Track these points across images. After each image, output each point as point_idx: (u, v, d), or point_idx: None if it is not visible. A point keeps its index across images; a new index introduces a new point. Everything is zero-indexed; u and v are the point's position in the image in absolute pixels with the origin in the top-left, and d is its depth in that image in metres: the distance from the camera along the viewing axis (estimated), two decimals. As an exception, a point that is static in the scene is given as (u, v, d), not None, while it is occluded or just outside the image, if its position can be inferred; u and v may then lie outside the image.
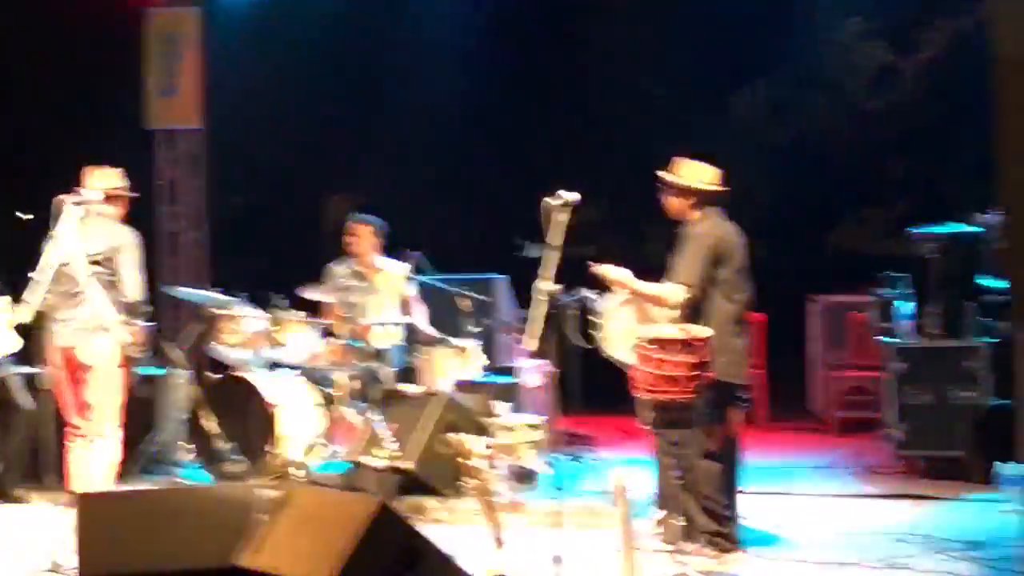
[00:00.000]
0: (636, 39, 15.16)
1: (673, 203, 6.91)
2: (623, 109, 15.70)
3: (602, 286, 6.83)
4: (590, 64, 15.98)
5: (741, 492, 7.01)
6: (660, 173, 6.92)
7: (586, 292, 6.78)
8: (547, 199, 6.41)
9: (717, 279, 6.70)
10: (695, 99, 15.27)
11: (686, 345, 6.13)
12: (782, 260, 16.41)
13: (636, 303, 6.74)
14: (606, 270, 6.72)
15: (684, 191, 6.85)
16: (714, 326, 6.45)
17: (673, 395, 6.13)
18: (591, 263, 6.76)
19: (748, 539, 6.94)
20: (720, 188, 6.86)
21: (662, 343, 6.13)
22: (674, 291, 6.58)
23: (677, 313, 6.54)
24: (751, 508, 7.64)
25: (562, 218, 6.40)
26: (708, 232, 6.73)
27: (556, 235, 6.36)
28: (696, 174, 6.87)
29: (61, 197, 7.14)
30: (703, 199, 6.83)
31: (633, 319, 6.73)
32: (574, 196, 6.43)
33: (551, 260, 6.34)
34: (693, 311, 6.56)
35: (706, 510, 6.63)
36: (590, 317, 6.82)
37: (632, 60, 15.24)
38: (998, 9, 4.09)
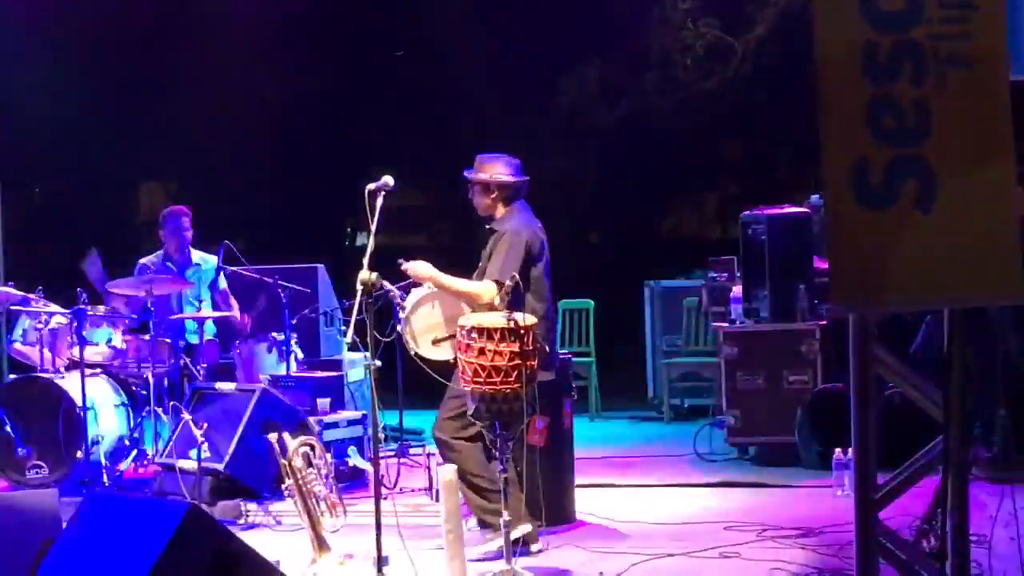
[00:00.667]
0: (468, 19, 14.90)
1: (480, 201, 6.85)
2: (453, 92, 15.46)
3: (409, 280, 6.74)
4: (421, 43, 15.70)
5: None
6: (465, 173, 6.87)
7: (388, 285, 6.58)
8: (369, 185, 6.25)
9: (529, 277, 6.62)
10: (526, 82, 15.11)
11: (511, 332, 5.90)
12: (615, 245, 16.49)
13: (442, 298, 6.64)
14: (412, 266, 6.65)
15: (486, 187, 6.78)
16: None
17: (497, 386, 5.89)
18: (401, 260, 6.68)
19: (582, 534, 6.73)
20: (518, 180, 6.81)
21: (484, 331, 5.89)
22: (487, 288, 6.49)
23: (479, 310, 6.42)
24: (584, 501, 7.52)
25: (380, 203, 6.21)
26: (521, 229, 6.66)
27: (375, 222, 6.18)
28: (496, 169, 6.80)
29: None
30: (505, 193, 6.77)
31: (438, 314, 6.63)
32: (390, 181, 6.25)
33: (370, 248, 6.15)
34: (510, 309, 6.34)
35: (474, 487, 6.58)
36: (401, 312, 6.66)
37: (463, 41, 14.98)
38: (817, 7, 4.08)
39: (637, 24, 14.42)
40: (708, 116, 14.91)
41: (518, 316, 5.97)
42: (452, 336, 6.47)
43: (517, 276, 6.30)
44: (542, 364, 6.33)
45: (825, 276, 8.70)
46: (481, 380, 5.92)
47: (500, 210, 6.77)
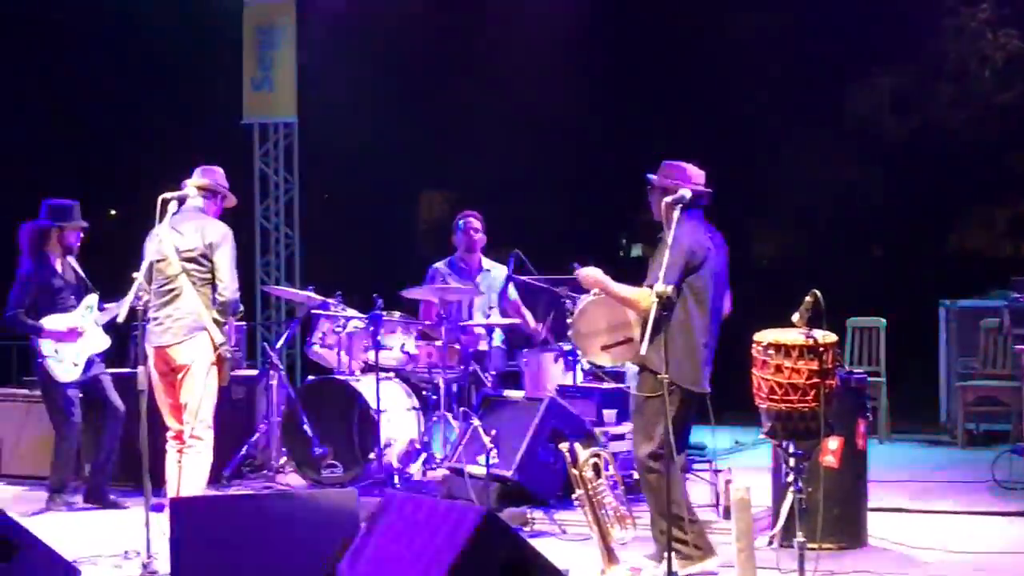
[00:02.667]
0: (754, 27, 14.73)
1: (658, 205, 6.62)
2: (736, 103, 15.30)
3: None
4: (704, 55, 15.61)
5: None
6: (649, 176, 6.75)
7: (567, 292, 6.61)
8: (666, 198, 6.24)
9: (692, 285, 6.49)
10: (812, 91, 14.82)
11: (809, 350, 5.77)
12: (901, 261, 15.99)
13: (608, 305, 6.66)
14: (583, 272, 6.69)
15: (666, 192, 6.58)
16: (683, 332, 6.39)
17: (794, 404, 5.77)
18: (575, 265, 6.78)
19: (875, 559, 6.52)
20: (702, 189, 6.64)
21: (783, 347, 5.78)
22: (643, 295, 6.36)
23: (649, 315, 6.22)
24: (876, 526, 7.32)
25: (676, 215, 6.20)
26: (685, 237, 6.47)
27: (671, 233, 6.21)
28: (678, 175, 6.65)
29: (165, 195, 6.95)
30: (684, 202, 6.52)
31: (603, 320, 6.68)
32: (687, 193, 6.29)
33: (665, 261, 6.20)
34: (664, 316, 6.27)
35: (671, 516, 6.34)
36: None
37: (748, 50, 14.82)
38: None
39: (930, 34, 13.97)
40: (1001, 129, 14.32)
41: (818, 334, 5.84)
42: (622, 343, 6.43)
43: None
44: (689, 378, 6.35)
45: None
46: (777, 398, 5.82)
47: (674, 217, 6.52)
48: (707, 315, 6.56)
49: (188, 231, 7.33)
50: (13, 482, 9.44)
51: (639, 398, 6.51)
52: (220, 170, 7.70)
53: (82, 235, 8.67)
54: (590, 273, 6.66)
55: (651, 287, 6.23)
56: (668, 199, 6.32)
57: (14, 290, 8.47)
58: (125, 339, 9.06)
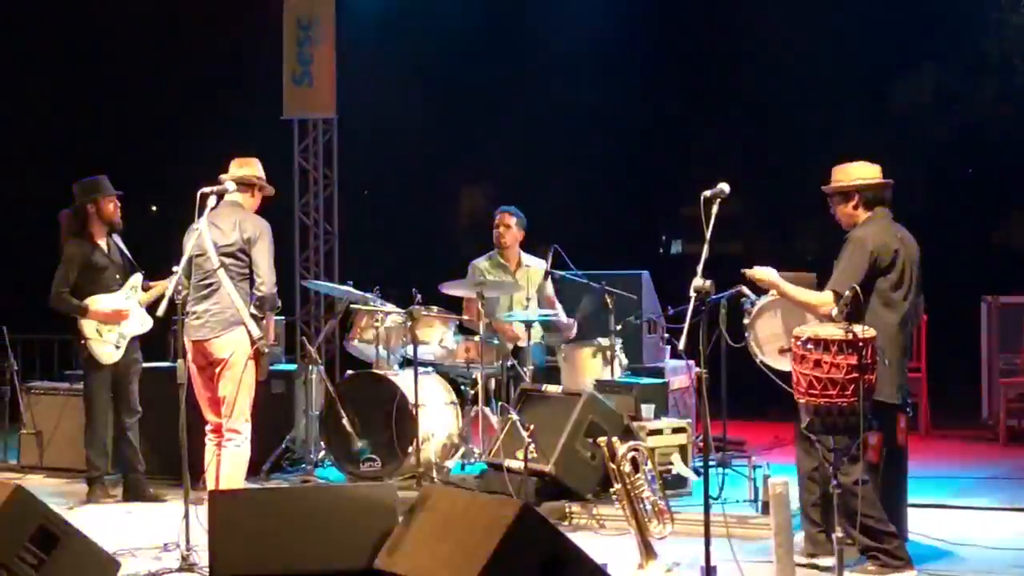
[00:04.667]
0: (795, 22, 14.63)
1: (842, 211, 6.63)
2: (776, 98, 15.21)
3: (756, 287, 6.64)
4: (736, 55, 15.54)
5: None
6: (824, 187, 6.65)
7: (746, 291, 6.49)
8: (705, 192, 6.13)
9: (877, 288, 6.38)
10: (853, 87, 14.73)
11: (848, 345, 5.74)
12: (947, 258, 15.84)
13: (786, 307, 6.51)
14: (756, 272, 6.50)
15: (845, 195, 6.57)
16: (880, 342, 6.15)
17: (833, 399, 5.74)
18: (745, 268, 6.56)
19: (915, 554, 6.47)
20: (880, 181, 6.57)
21: (821, 342, 5.75)
22: (823, 299, 6.30)
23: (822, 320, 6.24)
24: (917, 521, 7.24)
25: (715, 211, 6.13)
26: (869, 237, 6.42)
27: (710, 229, 6.08)
28: (852, 174, 6.59)
29: (204, 189, 6.98)
30: (866, 198, 6.54)
31: (780, 323, 6.54)
32: (726, 188, 6.13)
33: (704, 255, 6.05)
34: (849, 320, 6.14)
35: (863, 528, 6.21)
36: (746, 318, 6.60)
37: (790, 45, 14.72)
38: None
39: (975, 28, 13.85)
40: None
41: (857, 328, 5.80)
42: None
43: (857, 287, 6.09)
44: (885, 383, 6.15)
45: None
46: (816, 392, 5.79)
47: (860, 217, 6.53)
48: (896, 320, 6.42)
49: (226, 226, 7.36)
50: (54, 475, 9.52)
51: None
52: (256, 161, 7.72)
53: (119, 206, 8.62)
54: (764, 273, 6.49)
55: (834, 291, 6.21)
56: (707, 193, 6.23)
57: (58, 271, 8.49)
58: (164, 332, 9.10)
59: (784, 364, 6.32)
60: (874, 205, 6.54)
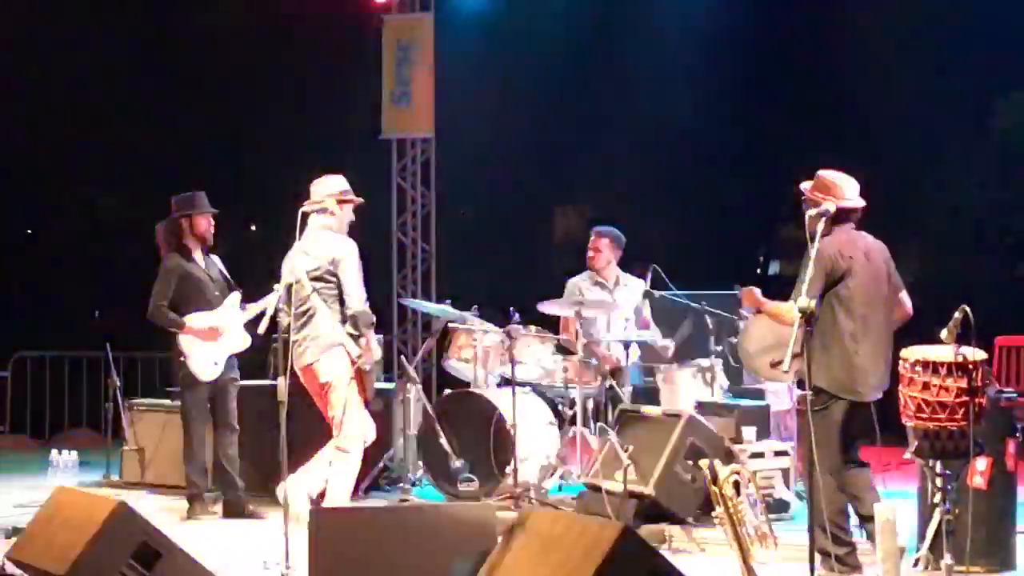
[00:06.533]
0: (896, 39, 14.44)
1: (809, 218, 6.48)
2: (876, 116, 15.01)
3: None
4: (840, 73, 15.36)
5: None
6: (800, 186, 6.69)
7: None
8: (810, 211, 6.24)
9: (839, 295, 6.43)
10: (953, 106, 14.48)
11: (959, 367, 5.63)
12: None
13: (770, 322, 6.75)
14: (744, 292, 6.84)
15: (813, 205, 6.48)
16: (834, 341, 6.40)
17: (942, 422, 5.63)
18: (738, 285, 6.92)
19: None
20: (850, 204, 6.55)
21: (930, 364, 5.65)
22: (787, 309, 6.36)
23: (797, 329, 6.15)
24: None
25: (820, 229, 6.12)
26: (826, 247, 6.38)
27: (814, 248, 6.17)
28: (834, 188, 6.55)
29: (306, 208, 7.04)
30: (838, 216, 6.48)
31: (768, 336, 6.81)
32: (831, 207, 6.25)
33: (808, 273, 6.16)
34: (808, 331, 6.10)
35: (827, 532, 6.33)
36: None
37: (889, 62, 14.53)
38: None
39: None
40: None
41: (967, 350, 5.70)
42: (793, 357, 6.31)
43: (967, 309, 5.95)
44: (846, 388, 6.35)
45: None
46: (925, 416, 5.72)
47: (817, 230, 6.39)
48: (857, 323, 6.46)
49: (313, 250, 7.45)
50: (156, 491, 9.62)
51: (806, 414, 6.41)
52: (339, 176, 7.76)
53: (212, 224, 8.66)
54: (748, 291, 6.77)
55: (796, 302, 6.15)
56: (812, 212, 6.23)
57: (156, 284, 8.54)
58: (265, 350, 9.17)
59: (778, 375, 6.71)
60: (842, 223, 6.51)
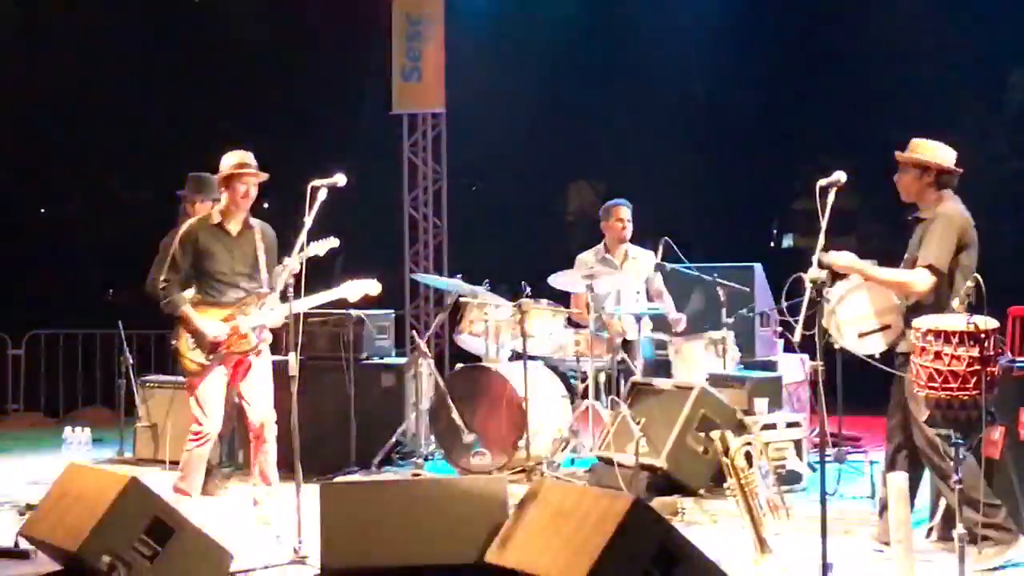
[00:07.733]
0: (912, 13, 14.36)
1: (911, 184, 6.49)
2: (885, 91, 14.94)
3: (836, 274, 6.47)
4: (854, 45, 15.29)
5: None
6: (898, 153, 6.54)
7: (807, 277, 6.39)
8: (821, 180, 6.04)
9: (960, 264, 6.30)
10: (970, 79, 14.40)
11: (970, 337, 5.59)
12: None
13: (870, 290, 6.37)
14: (835, 257, 6.32)
15: (924, 169, 6.44)
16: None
17: (954, 392, 5.59)
18: (820, 253, 6.31)
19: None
20: (957, 169, 6.48)
21: (942, 334, 5.61)
22: (920, 276, 6.21)
23: (911, 300, 6.20)
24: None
25: (831, 200, 6.05)
26: (956, 214, 6.34)
27: (825, 218, 6.00)
28: (935, 153, 6.47)
29: (315, 183, 6.99)
30: (941, 180, 6.44)
31: (866, 306, 6.37)
32: (842, 177, 6.06)
33: (820, 245, 6.00)
34: (935, 297, 6.16)
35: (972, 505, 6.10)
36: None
37: (901, 40, 14.45)
38: None
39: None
40: None
41: (979, 319, 5.66)
42: (881, 329, 6.25)
43: (979, 278, 5.92)
44: None
45: None
46: (936, 385, 5.67)
47: (930, 196, 6.43)
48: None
49: None
50: (172, 468, 9.62)
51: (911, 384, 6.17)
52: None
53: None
54: (844, 258, 6.36)
55: (928, 267, 6.15)
56: (822, 182, 6.15)
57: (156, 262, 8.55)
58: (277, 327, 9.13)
59: (864, 348, 6.27)
60: (944, 188, 6.44)
